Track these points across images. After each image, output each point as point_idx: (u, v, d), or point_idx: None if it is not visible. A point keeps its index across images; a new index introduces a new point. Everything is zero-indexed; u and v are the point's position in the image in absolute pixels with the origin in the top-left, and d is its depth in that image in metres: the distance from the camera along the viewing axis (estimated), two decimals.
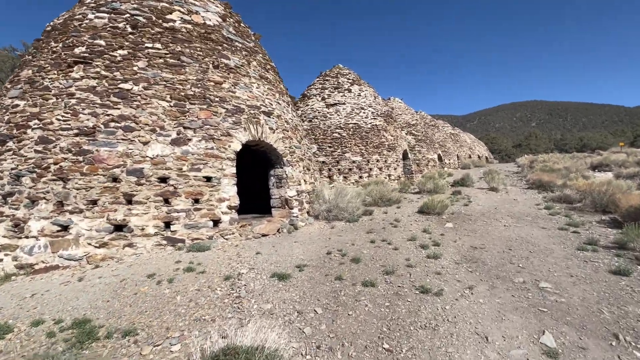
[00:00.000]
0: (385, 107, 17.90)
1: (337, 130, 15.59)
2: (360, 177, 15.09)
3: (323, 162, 15.18)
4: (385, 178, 15.55)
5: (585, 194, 9.04)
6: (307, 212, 7.83)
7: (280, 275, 4.22)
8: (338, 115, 16.00)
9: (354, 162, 15.17)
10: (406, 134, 25.42)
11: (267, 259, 4.88)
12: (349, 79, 17.60)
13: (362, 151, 15.43)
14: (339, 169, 15.03)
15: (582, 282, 3.85)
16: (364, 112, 16.34)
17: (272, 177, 7.62)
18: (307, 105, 16.89)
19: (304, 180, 8.02)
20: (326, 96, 16.73)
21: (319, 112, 16.29)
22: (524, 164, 22.35)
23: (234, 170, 6.27)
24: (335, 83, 17.25)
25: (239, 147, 6.44)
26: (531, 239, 5.76)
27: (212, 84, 6.60)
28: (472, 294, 3.69)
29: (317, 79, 18.09)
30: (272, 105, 7.68)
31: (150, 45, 6.29)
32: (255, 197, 9.89)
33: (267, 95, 7.70)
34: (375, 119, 16.45)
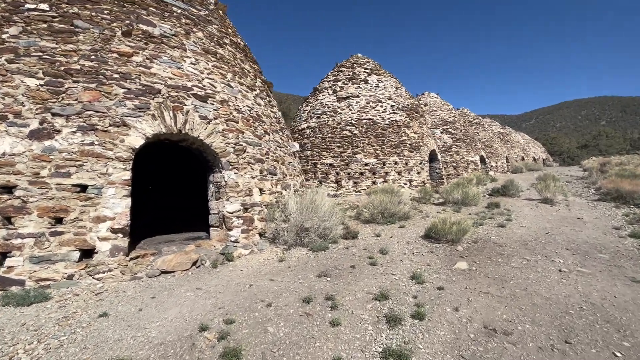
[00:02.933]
0: (410, 100, 15.08)
1: (348, 128, 13.21)
2: (374, 182, 12.54)
3: (330, 164, 12.90)
4: (405, 184, 12.80)
5: None
6: (261, 234, 5.65)
7: None
8: (350, 109, 13.62)
9: (366, 164, 12.68)
10: (442, 132, 22.12)
11: (75, 339, 2.70)
12: (367, 69, 15.12)
13: (377, 152, 12.86)
14: (348, 173, 12.64)
15: None
16: (382, 106, 13.75)
17: (210, 185, 5.57)
18: (317, 99, 14.74)
19: (260, 189, 5.85)
20: (338, 89, 14.44)
21: (328, 107, 14.05)
22: (593, 168, 17.94)
23: (127, 176, 4.32)
24: (350, 74, 14.88)
25: (139, 143, 4.48)
26: (615, 311, 3.02)
27: (115, 55, 4.74)
28: None
29: (331, 71, 15.86)
30: (214, 87, 5.65)
31: (32, 6, 4.61)
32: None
33: (209, 74, 5.69)
34: (395, 113, 13.77)
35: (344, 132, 13.15)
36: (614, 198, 9.85)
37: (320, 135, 13.49)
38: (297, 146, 7.76)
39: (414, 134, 13.77)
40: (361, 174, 12.60)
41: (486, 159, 24.83)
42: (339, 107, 13.82)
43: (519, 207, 8.92)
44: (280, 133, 7.32)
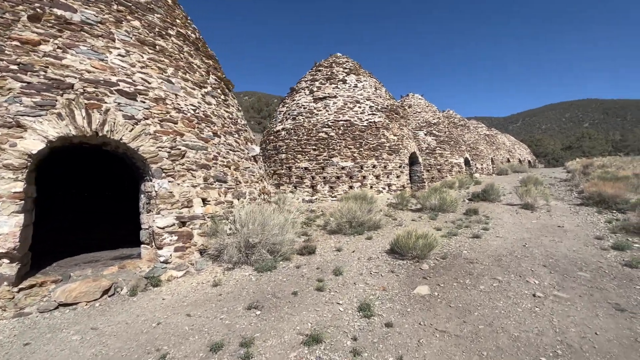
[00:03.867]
0: (390, 101, 14.53)
1: (324, 129, 12.56)
2: (351, 187, 11.91)
3: (305, 168, 12.22)
4: (384, 189, 12.21)
5: None
6: (202, 251, 4.92)
7: None
8: (327, 110, 12.98)
9: (343, 168, 12.04)
10: (426, 134, 21.70)
11: None
12: (345, 68, 14.52)
13: (355, 155, 12.25)
14: (324, 178, 11.99)
15: None
16: (360, 107, 13.16)
17: (142, 196, 4.82)
18: (294, 100, 14.06)
19: (204, 199, 5.13)
20: (315, 89, 13.79)
21: (304, 108, 13.39)
22: (576, 169, 17.72)
23: (19, 187, 3.55)
24: (328, 73, 14.25)
25: (37, 147, 3.72)
26: (597, 358, 2.41)
27: (17, 44, 3.97)
28: None
29: (309, 71, 15.22)
30: (147, 83, 4.92)
31: None
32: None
33: (142, 68, 4.96)
34: (373, 114, 13.19)
35: (320, 134, 12.50)
36: (596, 202, 9.47)
37: (296, 137, 12.81)
38: (257, 150, 7.05)
39: (393, 136, 13.20)
40: (338, 178, 11.97)
41: (471, 161, 24.54)
42: (315, 108, 13.17)
43: (499, 214, 8.40)
44: (236, 135, 6.61)
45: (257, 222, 4.98)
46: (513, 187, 15.69)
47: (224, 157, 5.89)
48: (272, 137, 13.81)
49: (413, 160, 14.65)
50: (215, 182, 5.48)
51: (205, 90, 6.16)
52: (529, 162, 47.43)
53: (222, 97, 6.74)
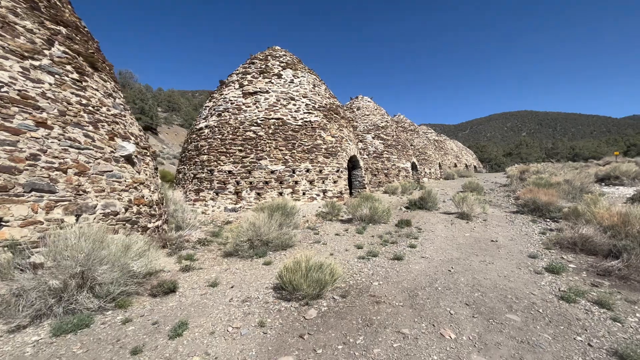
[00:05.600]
0: (330, 100, 13.43)
1: (253, 128, 11.07)
2: (281, 193, 10.53)
3: (229, 172, 10.61)
4: (318, 195, 11.00)
5: (620, 234, 4.65)
6: None
7: None
8: (257, 107, 11.50)
9: (272, 172, 10.63)
10: (373, 137, 21.09)
11: None
12: (282, 62, 13.16)
13: (286, 157, 10.90)
14: (250, 183, 10.47)
15: None
16: (295, 104, 11.86)
17: None
18: (222, 94, 12.39)
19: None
20: (246, 83, 12.24)
21: (231, 104, 11.78)
22: (514, 175, 18.07)
23: None
24: (263, 66, 12.79)
25: None
26: None
27: None
28: None
29: (243, 64, 13.63)
30: None
31: None
32: None
33: None
34: (309, 113, 11.96)
35: (248, 133, 10.98)
36: (531, 210, 9.08)
37: (220, 136, 11.16)
38: (129, 148, 5.36)
39: (331, 138, 12.08)
40: (266, 183, 10.52)
41: (418, 166, 24.45)
42: (244, 104, 11.63)
43: (433, 225, 7.52)
44: (91, 127, 4.89)
45: (82, 253, 3.36)
46: (456, 192, 15.42)
47: (56, 157, 4.17)
48: (194, 135, 12.02)
49: (354, 164, 13.67)
50: (28, 192, 3.75)
51: (36, 63, 4.39)
52: (475, 167, 49.79)
53: (75, 76, 4.97)
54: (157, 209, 6.16)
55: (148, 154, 6.50)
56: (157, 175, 6.90)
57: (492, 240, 6.02)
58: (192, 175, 11.18)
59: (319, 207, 9.44)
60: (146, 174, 6.05)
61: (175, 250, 5.53)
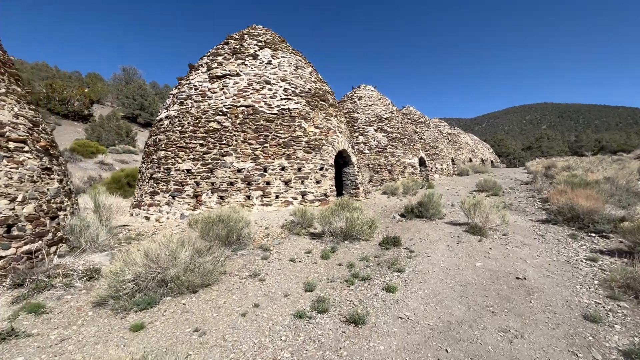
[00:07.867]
0: (317, 84, 11.34)
1: (217, 118, 9.15)
2: (249, 196, 8.61)
3: (188, 171, 8.75)
4: (295, 199, 9.01)
5: None
6: None
7: None
8: (224, 93, 9.57)
9: (239, 171, 8.70)
10: (376, 130, 18.89)
11: None
12: (260, 41, 11.16)
13: (257, 153, 8.95)
14: (212, 184, 8.58)
15: None
16: (271, 89, 9.85)
17: None
18: (188, 80, 10.52)
19: None
20: (215, 65, 10.32)
21: (195, 89, 9.89)
22: (537, 171, 15.56)
23: None
24: (237, 46, 10.83)
25: None
26: None
27: None
28: None
29: (217, 45, 11.69)
30: None
31: None
32: None
33: None
34: (289, 99, 9.94)
35: (211, 123, 9.07)
36: (567, 220, 6.88)
37: (179, 128, 9.30)
38: None
39: (314, 129, 10.02)
40: (231, 184, 8.61)
41: (427, 161, 22.05)
42: (209, 89, 9.72)
43: (431, 244, 5.43)
44: None
45: None
46: (469, 192, 13.12)
47: None
48: (154, 128, 10.22)
49: (345, 160, 11.57)
50: None
51: None
52: (492, 162, 46.54)
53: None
54: (29, 228, 4.32)
55: (25, 148, 4.66)
56: (50, 179, 5.07)
57: (518, 278, 3.89)
58: (149, 176, 9.39)
59: (290, 215, 7.46)
60: (10, 178, 4.21)
61: (32, 291, 3.68)
